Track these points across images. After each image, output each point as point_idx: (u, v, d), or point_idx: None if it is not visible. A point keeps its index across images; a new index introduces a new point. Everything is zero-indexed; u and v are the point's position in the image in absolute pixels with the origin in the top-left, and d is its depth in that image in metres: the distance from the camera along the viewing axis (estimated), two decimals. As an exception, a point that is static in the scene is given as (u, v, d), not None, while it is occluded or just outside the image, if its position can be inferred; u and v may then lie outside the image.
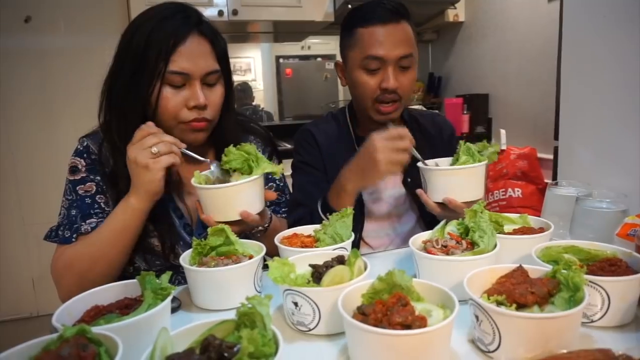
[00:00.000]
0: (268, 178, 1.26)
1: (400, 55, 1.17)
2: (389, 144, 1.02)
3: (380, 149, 1.02)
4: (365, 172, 1.05)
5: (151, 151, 0.92)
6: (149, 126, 0.95)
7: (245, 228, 1.00)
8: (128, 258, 1.02)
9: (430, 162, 1.10)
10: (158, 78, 0.98)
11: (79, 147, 1.09)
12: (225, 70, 1.09)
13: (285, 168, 1.30)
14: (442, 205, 1.04)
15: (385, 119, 1.23)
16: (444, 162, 1.12)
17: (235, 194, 0.95)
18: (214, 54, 1.05)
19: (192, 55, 1.00)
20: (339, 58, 1.33)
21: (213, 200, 0.96)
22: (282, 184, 1.30)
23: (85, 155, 1.07)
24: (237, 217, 0.95)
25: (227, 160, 0.98)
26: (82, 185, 1.05)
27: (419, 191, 1.09)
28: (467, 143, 1.06)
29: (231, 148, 0.98)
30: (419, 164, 1.10)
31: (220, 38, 1.08)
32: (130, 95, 1.01)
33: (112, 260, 0.98)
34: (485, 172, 1.05)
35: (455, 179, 1.03)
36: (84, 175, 1.06)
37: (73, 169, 1.07)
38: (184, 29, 1.00)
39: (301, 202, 1.22)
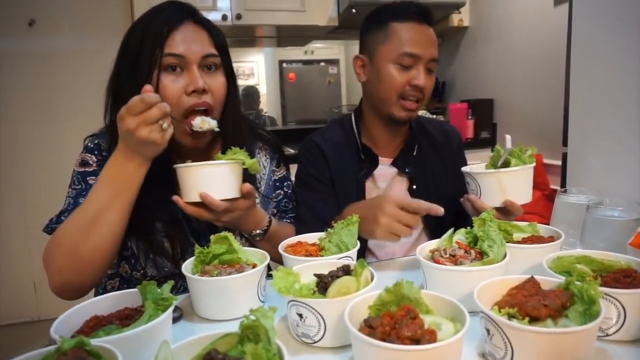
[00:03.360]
0: (276, 185, 1.24)
1: (432, 56, 1.19)
2: (398, 214, 0.96)
3: (387, 214, 0.96)
4: (364, 224, 0.98)
5: (160, 127, 0.87)
6: (150, 96, 0.86)
7: (209, 217, 0.97)
8: (124, 229, 0.95)
9: (464, 168, 1.10)
10: (155, 65, 0.97)
11: (89, 144, 1.08)
12: (225, 61, 1.08)
13: (287, 172, 1.29)
14: (498, 210, 1.01)
15: (407, 116, 1.22)
16: (476, 168, 1.12)
17: (198, 174, 0.94)
18: (211, 41, 1.05)
19: (186, 40, 1.00)
20: (353, 54, 1.31)
21: (181, 179, 0.95)
22: (290, 191, 1.28)
23: (96, 152, 1.07)
24: (197, 199, 0.93)
25: (218, 156, 0.96)
26: (94, 177, 1.03)
27: (471, 197, 1.06)
28: (510, 148, 1.05)
29: (236, 150, 0.97)
30: (467, 168, 1.09)
31: (218, 30, 1.08)
32: (132, 89, 0.97)
33: (109, 224, 0.91)
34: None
35: (513, 181, 1.02)
36: (95, 168, 1.05)
37: (83, 163, 1.06)
38: (177, 17, 1.01)
39: (310, 221, 1.19)
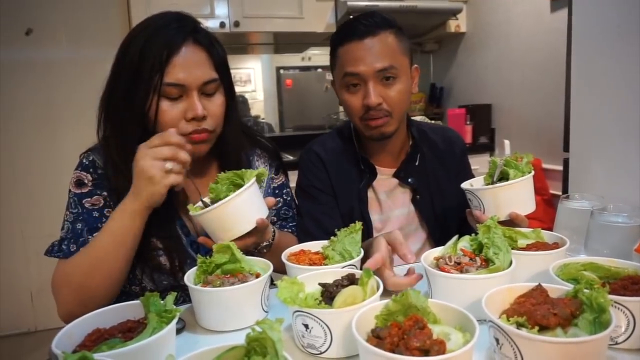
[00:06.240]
0: (275, 193, 1.24)
1: (378, 68, 1.12)
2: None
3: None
4: None
5: (164, 165, 0.88)
6: (171, 134, 0.90)
7: (255, 241, 0.96)
8: (128, 269, 0.97)
9: (463, 185, 1.09)
10: (154, 91, 0.95)
11: (84, 161, 1.06)
12: (225, 79, 1.06)
13: (286, 180, 1.29)
14: (504, 223, 1.00)
15: (376, 133, 1.18)
16: (476, 183, 1.11)
17: (245, 202, 0.91)
18: (211, 62, 1.02)
19: (187, 66, 0.97)
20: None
21: (226, 217, 0.90)
22: (289, 198, 1.27)
23: (91, 169, 1.04)
24: (254, 225, 0.92)
25: (214, 188, 0.93)
26: (89, 199, 1.02)
27: (476, 213, 1.05)
28: (503, 159, 1.05)
29: (221, 175, 0.95)
30: (468, 185, 1.08)
31: (218, 46, 1.05)
32: (127, 109, 0.98)
33: (111, 269, 0.93)
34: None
35: (514, 193, 1.02)
36: (91, 188, 1.03)
37: (78, 183, 1.03)
38: (178, 39, 0.97)
39: (316, 234, 1.16)
